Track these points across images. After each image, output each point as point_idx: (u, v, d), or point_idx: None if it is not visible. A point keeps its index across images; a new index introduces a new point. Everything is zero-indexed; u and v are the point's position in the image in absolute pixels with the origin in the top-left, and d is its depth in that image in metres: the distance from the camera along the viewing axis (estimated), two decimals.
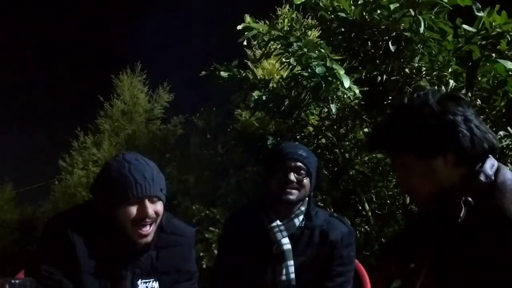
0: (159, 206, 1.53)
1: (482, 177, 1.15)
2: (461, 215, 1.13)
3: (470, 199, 1.14)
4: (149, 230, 1.50)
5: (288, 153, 1.89)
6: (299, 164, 1.86)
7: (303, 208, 1.91)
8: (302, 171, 1.86)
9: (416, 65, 3.24)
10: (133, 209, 1.47)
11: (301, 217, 1.90)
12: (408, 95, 1.32)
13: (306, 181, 1.87)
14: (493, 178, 1.16)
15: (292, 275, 1.82)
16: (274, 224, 1.88)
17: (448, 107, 1.18)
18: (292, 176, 1.84)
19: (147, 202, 1.48)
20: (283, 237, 1.86)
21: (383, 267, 1.40)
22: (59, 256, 1.45)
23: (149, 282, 1.55)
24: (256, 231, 1.89)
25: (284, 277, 1.82)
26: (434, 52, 3.11)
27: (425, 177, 1.18)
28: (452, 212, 1.14)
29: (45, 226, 1.55)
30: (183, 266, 1.64)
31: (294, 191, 1.84)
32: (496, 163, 1.19)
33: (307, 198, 1.92)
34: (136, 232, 1.48)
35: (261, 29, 3.36)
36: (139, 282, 1.53)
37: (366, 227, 3.57)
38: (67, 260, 1.45)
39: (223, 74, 3.57)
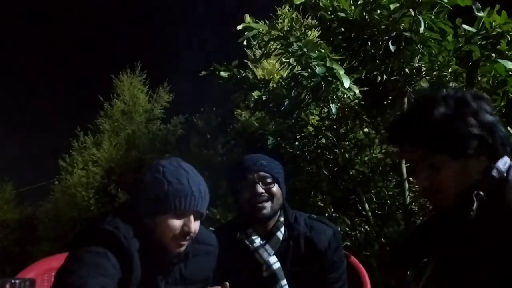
0: (198, 224, 1.47)
1: (494, 173, 1.16)
2: (474, 208, 1.13)
3: (482, 193, 1.14)
4: (186, 243, 1.46)
5: (248, 166, 1.79)
6: (262, 174, 1.77)
7: (282, 219, 1.80)
8: (268, 180, 1.76)
9: (416, 65, 3.23)
10: (177, 222, 1.41)
11: (282, 229, 1.79)
12: (435, 88, 1.21)
13: (275, 188, 1.77)
14: (505, 174, 1.17)
15: None
16: (257, 244, 1.76)
17: (485, 106, 1.18)
18: (260, 188, 1.74)
19: (192, 217, 1.43)
20: (270, 256, 1.75)
21: (387, 270, 1.40)
22: (114, 271, 1.32)
23: None
24: (240, 255, 1.76)
25: None
26: (434, 52, 3.11)
27: (456, 177, 1.16)
28: (464, 206, 1.15)
29: (98, 231, 1.37)
30: (209, 274, 1.62)
31: (266, 204, 1.75)
32: (508, 161, 1.20)
33: (282, 208, 1.82)
34: (173, 243, 1.43)
35: (261, 29, 3.36)
36: None
37: (366, 227, 3.56)
38: (122, 273, 1.34)
39: (223, 74, 3.57)
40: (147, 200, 1.41)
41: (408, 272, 1.33)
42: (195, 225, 1.44)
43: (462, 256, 1.18)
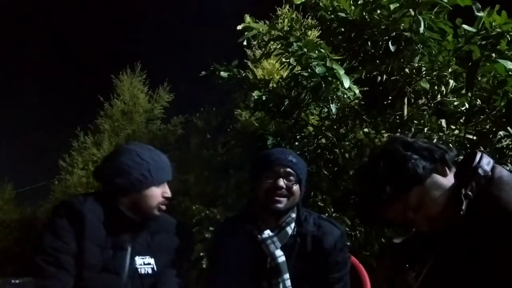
0: None
1: (480, 171, 1.21)
2: (463, 207, 1.17)
3: (469, 192, 1.19)
4: (164, 206, 1.79)
5: (277, 158, 1.81)
6: (288, 170, 1.78)
7: (293, 215, 1.83)
8: (292, 178, 1.78)
9: (416, 65, 3.23)
10: (158, 190, 1.75)
11: (292, 225, 1.81)
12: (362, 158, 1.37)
13: (295, 188, 1.79)
14: (490, 173, 1.22)
15: None
16: (266, 235, 1.79)
17: (410, 139, 1.34)
18: (282, 182, 1.76)
19: (166, 185, 1.78)
20: (276, 248, 1.77)
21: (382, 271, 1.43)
22: (66, 225, 1.63)
23: (145, 258, 1.76)
24: (247, 244, 1.80)
25: None
26: (434, 52, 3.11)
27: (437, 195, 1.23)
28: (453, 207, 1.19)
29: (56, 204, 1.76)
30: (175, 253, 1.82)
31: (283, 198, 1.77)
32: (491, 161, 1.26)
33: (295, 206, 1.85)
34: (157, 207, 1.75)
35: (261, 29, 3.36)
36: (136, 258, 1.73)
37: (366, 227, 3.56)
38: (73, 228, 1.63)
39: (223, 74, 3.56)
40: (134, 180, 1.71)
41: (408, 271, 1.35)
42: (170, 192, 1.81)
43: (457, 254, 1.20)
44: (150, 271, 1.74)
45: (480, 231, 1.15)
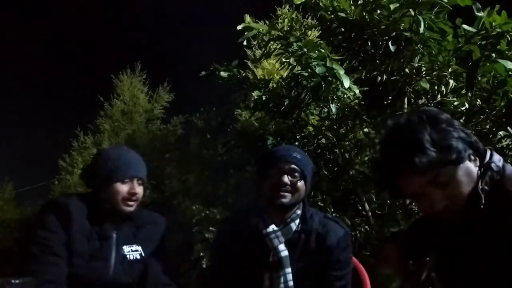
0: (142, 189, 1.88)
1: (493, 166, 1.23)
2: (482, 201, 1.19)
3: (486, 187, 1.21)
4: (133, 204, 1.85)
5: (282, 155, 1.86)
6: (293, 166, 1.82)
7: (299, 212, 1.87)
8: (296, 174, 1.82)
9: (416, 65, 3.23)
10: (124, 187, 1.81)
11: (297, 221, 1.85)
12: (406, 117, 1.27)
13: (300, 184, 1.83)
14: (502, 169, 1.25)
15: (290, 283, 1.78)
16: (270, 229, 1.83)
17: (447, 115, 1.28)
18: (286, 179, 1.80)
19: (135, 182, 1.84)
20: (280, 243, 1.81)
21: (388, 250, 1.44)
22: (54, 220, 1.73)
23: (132, 246, 1.86)
24: (251, 237, 1.84)
25: (282, 285, 1.78)
26: (434, 52, 3.11)
27: (466, 180, 1.22)
28: (472, 201, 1.20)
29: (42, 204, 1.87)
30: (160, 242, 1.93)
31: (287, 194, 1.81)
32: (501, 158, 1.28)
33: (301, 202, 1.88)
34: (124, 204, 1.82)
35: (261, 29, 3.36)
36: (123, 247, 1.83)
37: (366, 227, 3.56)
38: (61, 222, 1.73)
39: (223, 74, 3.56)
40: (100, 177, 1.82)
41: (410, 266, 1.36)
42: (139, 189, 1.85)
43: (464, 248, 1.21)
44: (138, 256, 1.84)
45: (493, 225, 1.17)
